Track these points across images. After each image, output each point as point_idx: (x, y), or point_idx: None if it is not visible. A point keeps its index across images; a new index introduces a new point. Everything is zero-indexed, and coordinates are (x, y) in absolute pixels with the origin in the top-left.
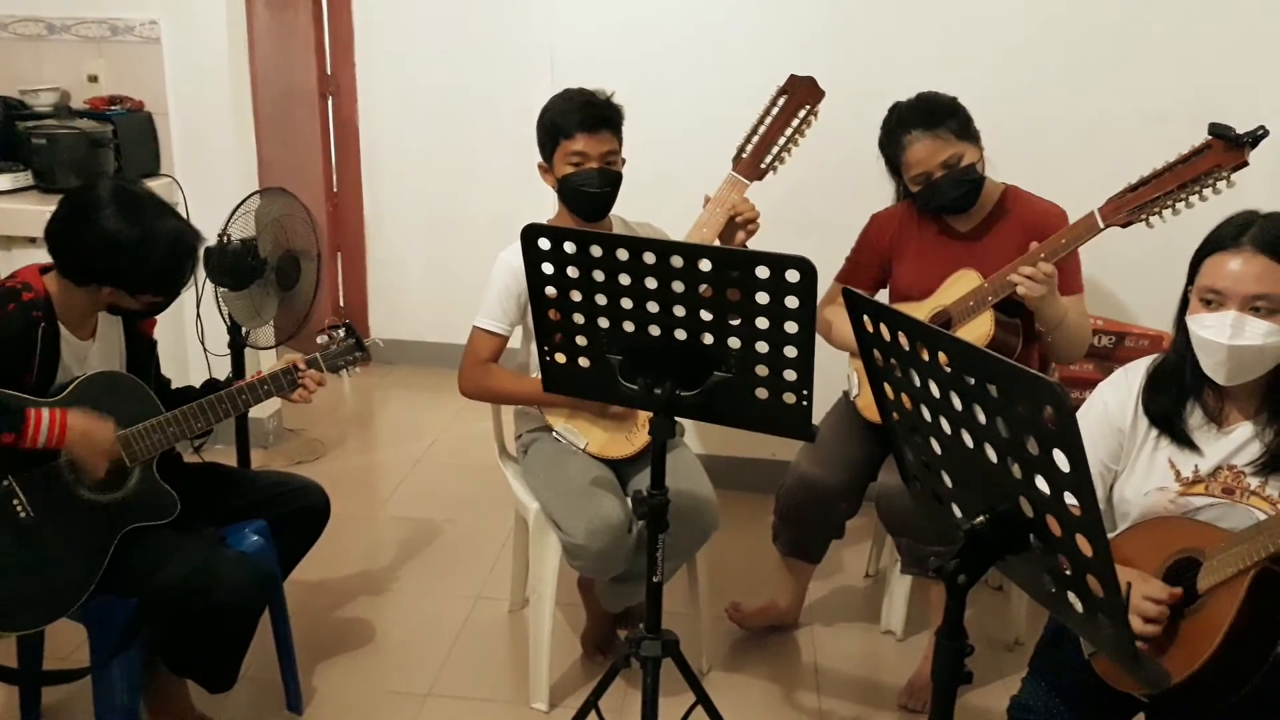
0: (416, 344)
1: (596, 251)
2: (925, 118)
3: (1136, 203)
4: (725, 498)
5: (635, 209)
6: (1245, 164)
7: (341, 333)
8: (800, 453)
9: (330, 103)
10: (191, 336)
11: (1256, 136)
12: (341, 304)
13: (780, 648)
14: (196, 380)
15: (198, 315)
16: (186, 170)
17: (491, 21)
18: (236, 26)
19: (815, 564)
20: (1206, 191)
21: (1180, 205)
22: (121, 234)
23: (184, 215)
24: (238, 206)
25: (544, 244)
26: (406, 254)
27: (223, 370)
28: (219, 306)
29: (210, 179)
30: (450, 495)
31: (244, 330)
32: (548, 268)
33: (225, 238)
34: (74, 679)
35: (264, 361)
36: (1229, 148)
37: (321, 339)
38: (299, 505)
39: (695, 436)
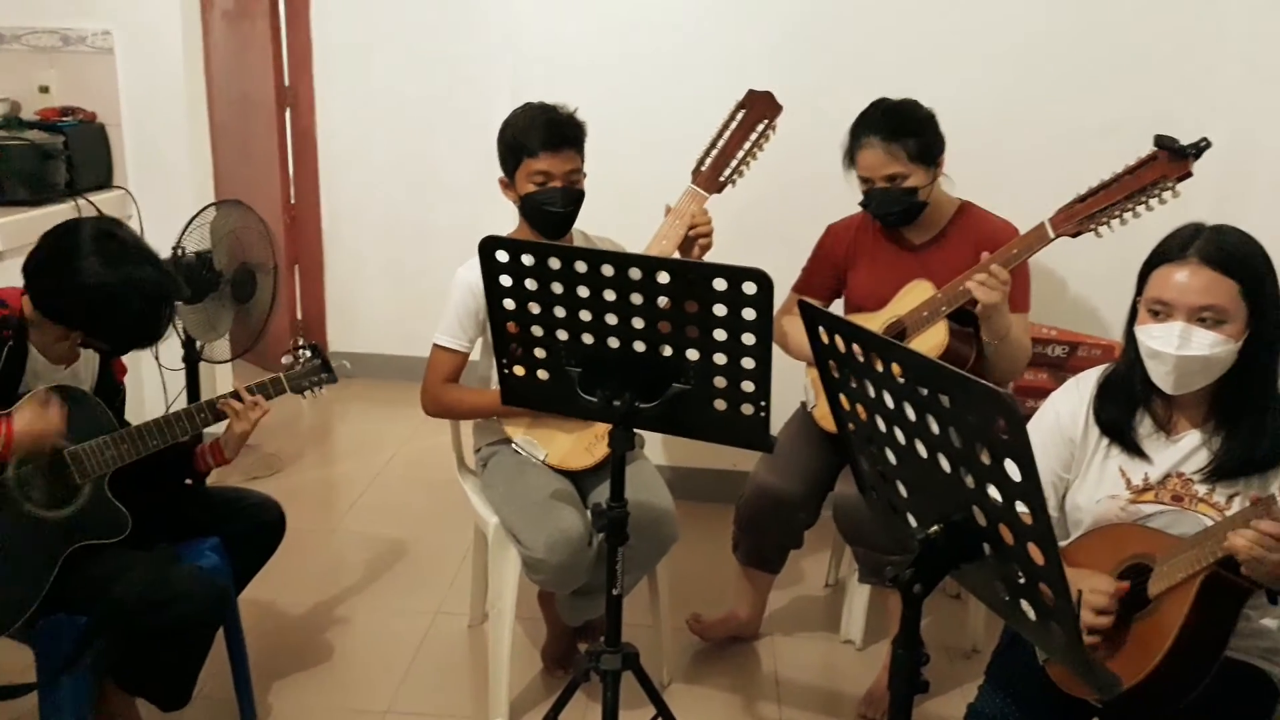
0: (375, 357)
1: (555, 264)
2: (890, 129)
3: (1085, 213)
4: (686, 509)
5: (595, 221)
6: (1189, 174)
7: (308, 353)
8: (759, 463)
9: (288, 114)
10: (145, 352)
11: (1200, 148)
12: (299, 317)
13: (741, 658)
14: (149, 395)
15: None
16: (140, 182)
17: (451, 32)
18: (192, 37)
19: (775, 574)
20: (1153, 201)
21: (1128, 215)
22: (99, 285)
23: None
24: (192, 219)
25: (502, 256)
26: (365, 266)
27: (176, 385)
28: (173, 321)
29: (164, 191)
30: (409, 510)
31: (199, 344)
32: (506, 280)
33: (180, 251)
34: (19, 694)
35: (219, 375)
36: (1174, 159)
37: (286, 359)
38: (254, 521)
39: (656, 448)
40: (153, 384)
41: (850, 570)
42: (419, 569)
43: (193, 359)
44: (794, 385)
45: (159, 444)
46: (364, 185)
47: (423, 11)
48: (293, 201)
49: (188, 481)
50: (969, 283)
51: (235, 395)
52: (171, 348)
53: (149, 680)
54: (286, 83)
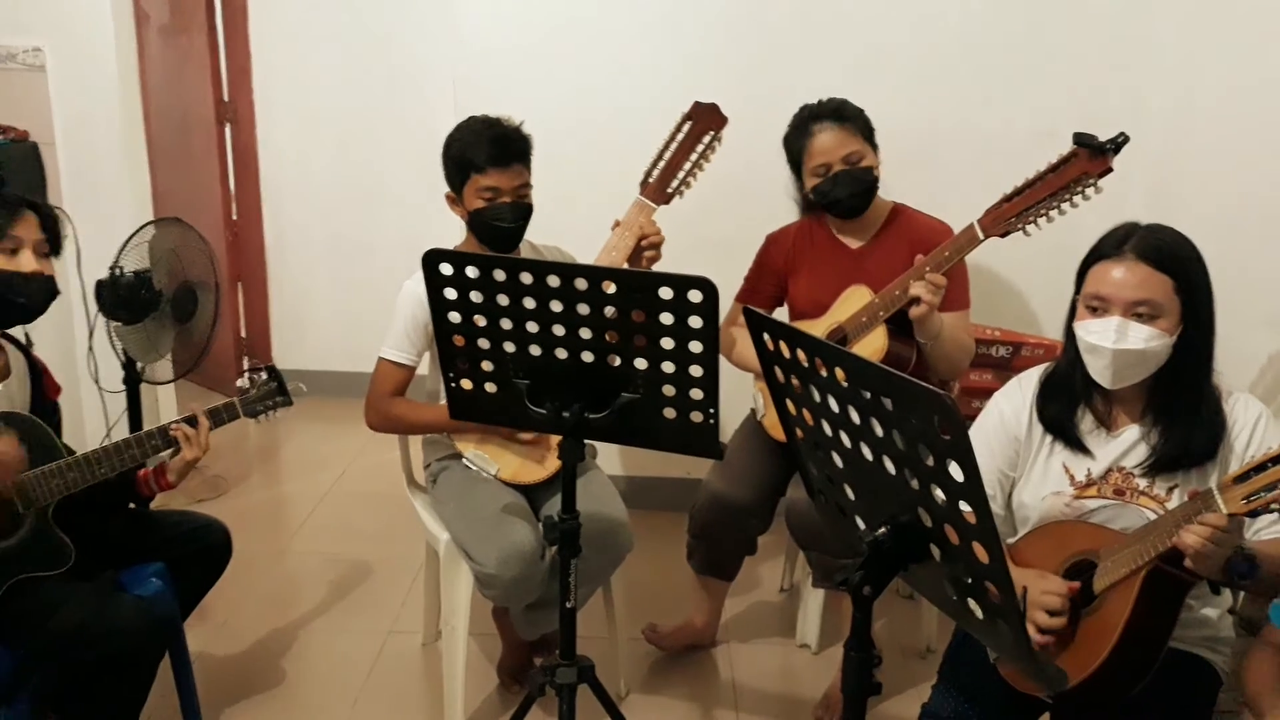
0: (322, 374)
1: (500, 275)
2: (835, 113)
3: (1012, 213)
4: (640, 518)
5: (544, 232)
6: (1110, 170)
7: (263, 375)
8: (711, 471)
9: (228, 129)
10: (84, 373)
11: (1118, 143)
12: (243, 335)
13: (698, 667)
14: (89, 418)
15: (90, 350)
16: (76, 201)
17: (393, 45)
18: (126, 53)
19: (730, 581)
20: (1077, 199)
21: (1054, 213)
22: None
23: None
24: (130, 238)
25: (446, 269)
26: (310, 282)
27: (116, 407)
28: (112, 342)
29: (101, 210)
30: (360, 528)
31: (139, 365)
32: (450, 293)
33: (117, 270)
34: None
35: (161, 396)
36: (1093, 155)
37: (241, 382)
38: (199, 544)
39: (610, 458)
40: (92, 406)
41: (804, 575)
42: (370, 588)
43: (133, 380)
44: (744, 393)
45: (108, 471)
46: (308, 200)
47: (363, 25)
48: (235, 218)
49: (131, 505)
50: (916, 290)
51: (189, 420)
52: (111, 369)
53: (92, 713)
54: (226, 98)
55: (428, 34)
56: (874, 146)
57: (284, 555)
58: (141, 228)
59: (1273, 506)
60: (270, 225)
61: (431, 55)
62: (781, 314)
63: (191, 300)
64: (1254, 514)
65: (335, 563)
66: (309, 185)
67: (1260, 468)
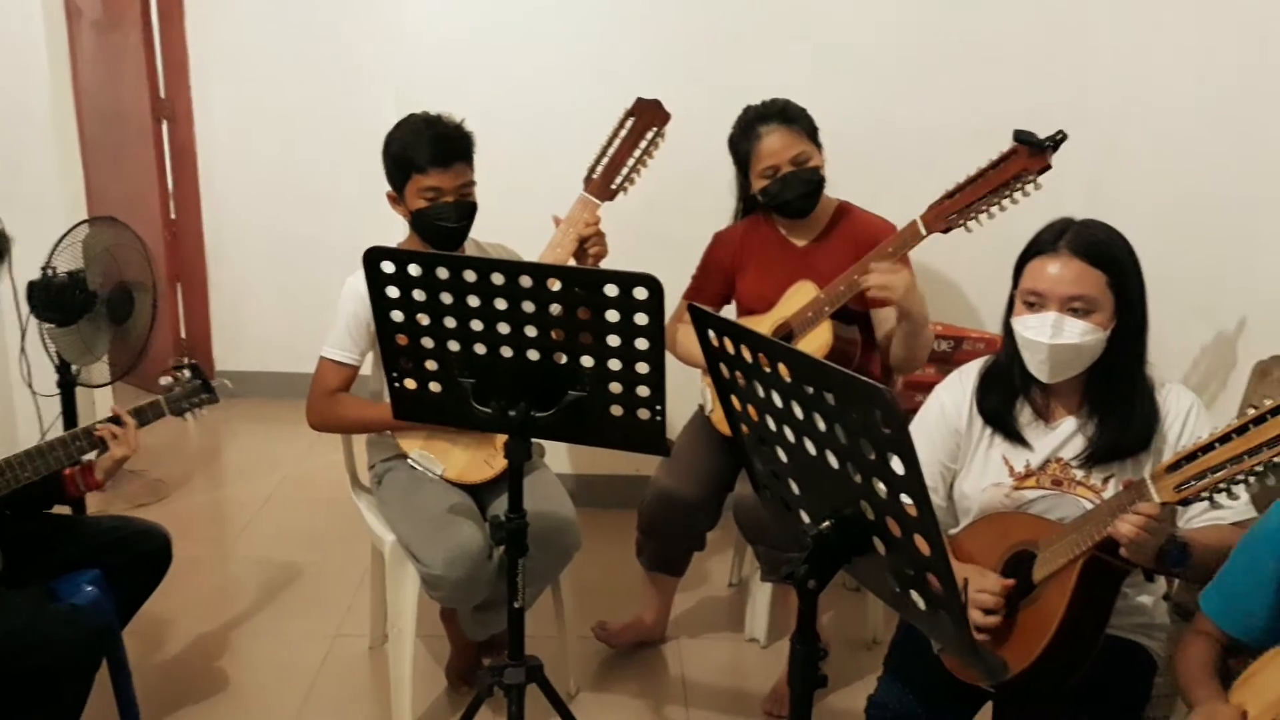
0: (264, 375)
1: (443, 273)
2: (781, 114)
3: (954, 209)
4: (590, 516)
5: (488, 230)
6: (1049, 167)
7: (187, 373)
8: (659, 468)
9: (165, 127)
10: (16, 378)
11: (1056, 140)
12: (183, 336)
13: (648, 663)
14: (22, 422)
15: (22, 353)
16: (6, 200)
17: (334, 40)
18: (57, 49)
19: (679, 577)
20: (1017, 195)
21: (994, 209)
22: None
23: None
24: (63, 237)
25: (388, 268)
26: (251, 281)
27: (51, 411)
28: (45, 344)
29: (32, 209)
30: (304, 531)
31: (74, 368)
32: (393, 292)
33: (50, 270)
34: None
35: (98, 399)
36: (1033, 152)
37: (165, 380)
38: (137, 550)
39: (559, 456)
40: (25, 410)
41: (753, 569)
42: (316, 591)
43: (68, 383)
44: (692, 388)
45: (31, 475)
46: (248, 198)
47: (303, 20)
48: (173, 217)
49: (67, 511)
50: (864, 278)
51: (114, 420)
52: (45, 372)
53: None
54: (162, 94)
55: (369, 29)
56: (818, 146)
57: (226, 559)
58: (75, 227)
59: (1203, 494)
60: (210, 224)
61: (373, 50)
62: (729, 311)
63: (128, 301)
64: (1185, 502)
65: (279, 566)
66: (249, 183)
67: (1191, 457)
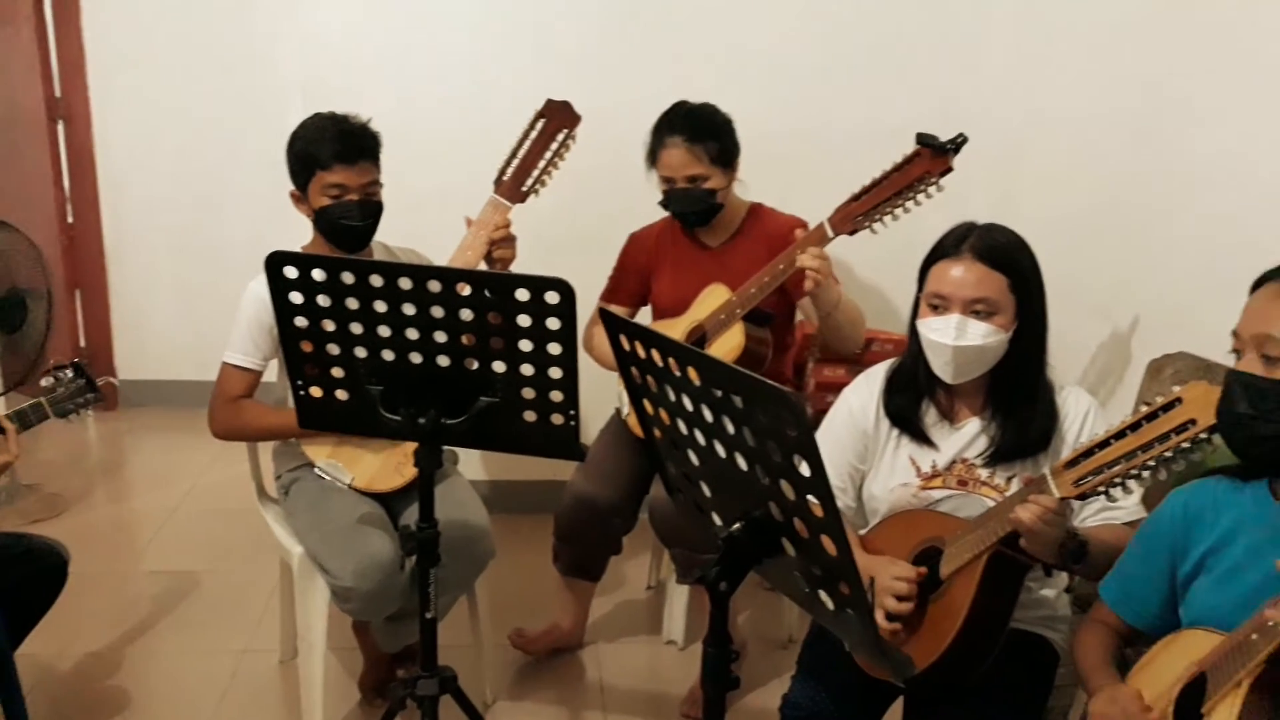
0: (168, 383)
1: (348, 278)
2: (692, 130)
3: (860, 211)
4: (506, 522)
5: (397, 233)
6: (951, 169)
7: (69, 373)
8: (575, 472)
9: (61, 127)
10: None
11: (958, 143)
12: (83, 344)
13: (565, 669)
14: None
15: None
16: None
17: (237, 37)
18: None
19: (596, 581)
20: (920, 197)
21: (899, 211)
22: None
23: None
24: None
25: (290, 272)
26: (154, 287)
27: None
28: None
29: None
30: (211, 544)
31: None
32: (296, 297)
33: None
34: None
35: None
36: (935, 155)
37: (46, 381)
38: (30, 568)
39: (474, 462)
40: None
41: (670, 572)
42: (223, 606)
43: None
44: (608, 392)
45: None
46: (149, 201)
47: (207, 17)
48: (70, 221)
49: None
50: (804, 261)
51: None
52: None
53: None
54: (58, 94)
55: (274, 26)
56: (726, 163)
57: (129, 575)
58: None
59: (1100, 489)
60: (110, 228)
61: (278, 49)
62: (646, 312)
63: (20, 308)
64: (1083, 497)
65: (185, 581)
66: (151, 185)
67: (1088, 453)
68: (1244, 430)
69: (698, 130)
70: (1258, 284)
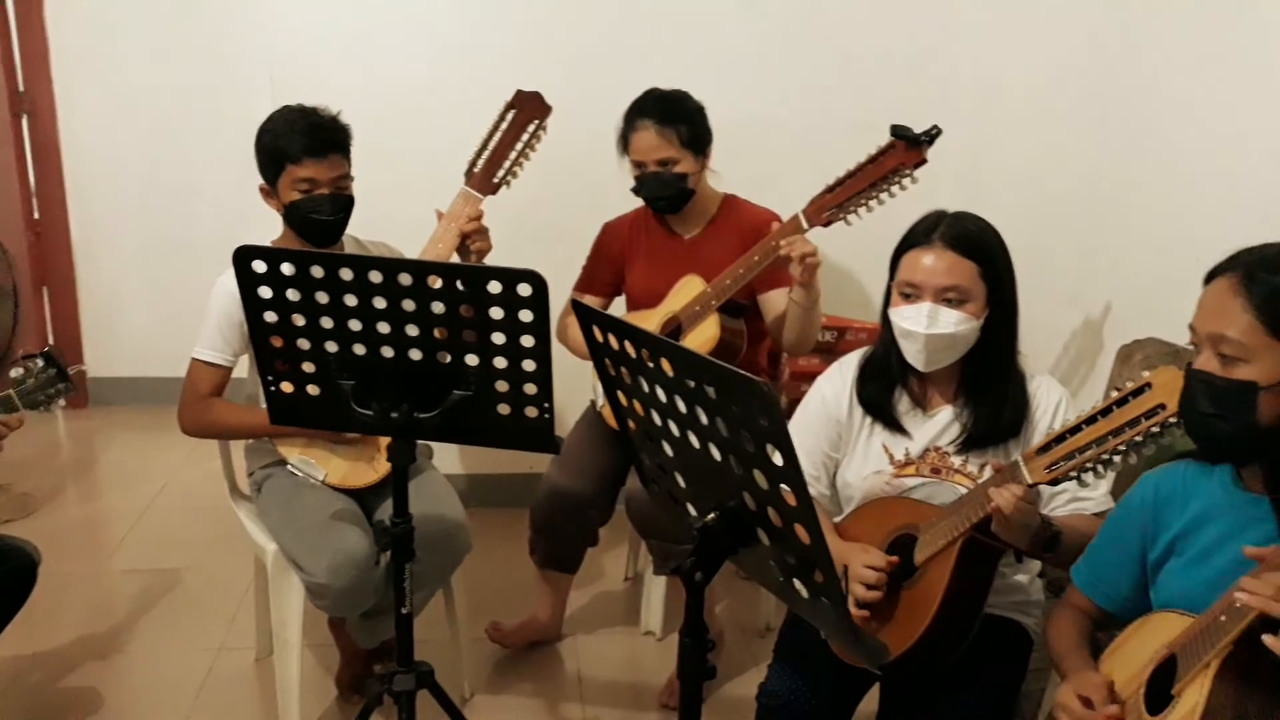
0: (140, 380)
1: (318, 272)
2: (662, 113)
3: (834, 203)
4: (483, 516)
5: (368, 226)
6: (925, 161)
7: (40, 363)
8: (550, 464)
9: (25, 122)
10: None
11: (932, 135)
12: (51, 341)
13: (544, 662)
14: None
15: None
16: None
17: (205, 29)
18: None
19: (573, 574)
20: (894, 189)
21: (873, 203)
22: None
23: None
24: None
25: (259, 267)
26: (123, 284)
27: None
28: None
29: None
30: (185, 542)
31: None
32: (265, 292)
33: None
34: None
35: None
36: (909, 147)
37: (16, 372)
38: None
39: (451, 456)
40: None
41: (648, 563)
42: (198, 605)
43: None
44: (583, 383)
45: None
46: (117, 196)
47: (173, 8)
48: (36, 217)
49: None
50: (798, 249)
51: None
52: None
53: None
54: (21, 88)
55: (241, 18)
56: (697, 149)
57: (102, 575)
58: None
59: (1071, 474)
60: (77, 224)
61: (247, 41)
62: (621, 301)
63: None
64: (1055, 482)
65: (159, 580)
66: (119, 180)
67: (1060, 438)
68: (1205, 428)
69: (668, 113)
70: (1209, 277)
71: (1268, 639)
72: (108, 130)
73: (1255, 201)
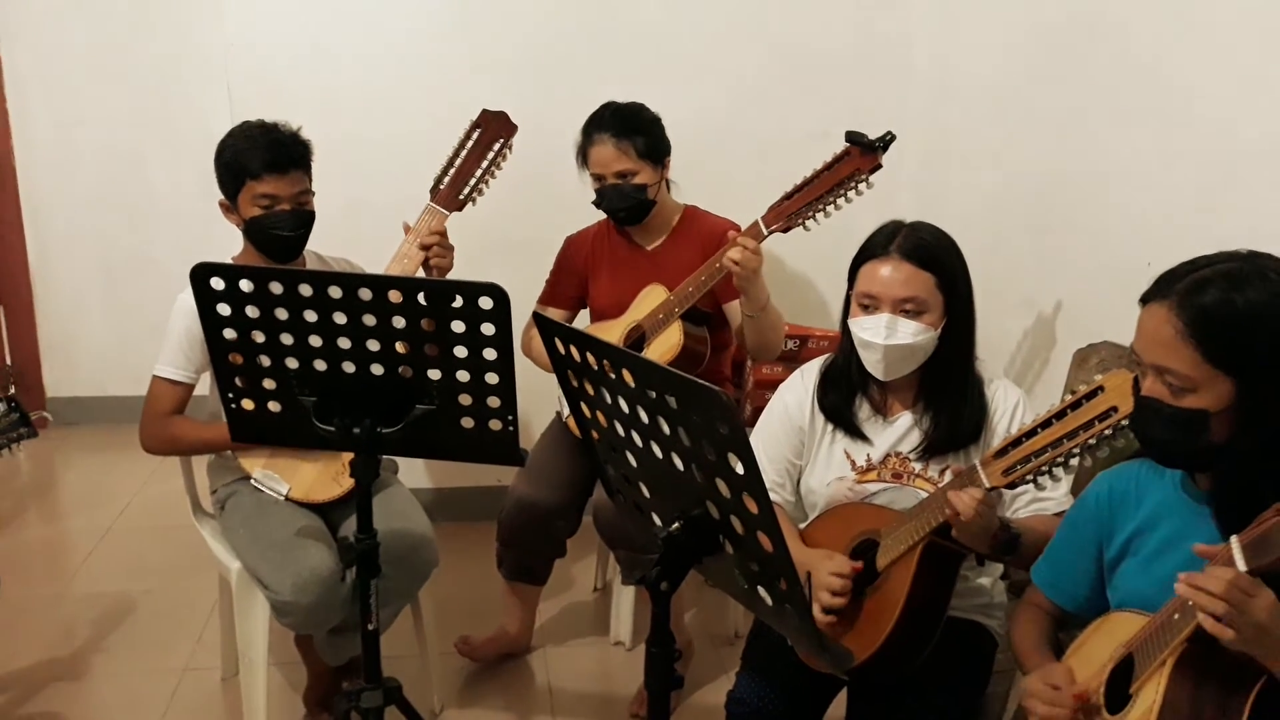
0: (100, 400)
1: (276, 288)
2: (619, 126)
3: (792, 209)
4: (451, 530)
5: (330, 242)
6: (880, 166)
7: (1, 407)
8: (517, 476)
9: None
10: None
11: (886, 141)
12: (9, 362)
13: (514, 675)
14: None
15: None
16: None
17: (161, 47)
18: None
19: (541, 585)
20: (851, 194)
21: (830, 209)
22: None
23: None
24: None
25: (217, 284)
26: (82, 302)
27: None
28: None
29: None
30: (148, 563)
31: None
32: (224, 309)
33: None
34: None
35: None
36: (864, 152)
37: None
38: None
39: (417, 470)
40: None
41: (616, 573)
42: (162, 625)
43: None
44: (549, 394)
45: None
46: (74, 212)
47: (130, 21)
48: None
49: None
50: (726, 259)
51: None
52: None
53: None
54: None
55: (199, 36)
56: (655, 159)
57: (63, 598)
58: None
59: (1028, 478)
60: (33, 242)
61: (205, 56)
62: (585, 314)
63: None
64: (1013, 485)
65: (122, 602)
66: (76, 200)
67: (1016, 443)
68: (1160, 450)
69: (624, 126)
70: (1144, 299)
71: (1204, 619)
72: (63, 145)
73: (1209, 204)
